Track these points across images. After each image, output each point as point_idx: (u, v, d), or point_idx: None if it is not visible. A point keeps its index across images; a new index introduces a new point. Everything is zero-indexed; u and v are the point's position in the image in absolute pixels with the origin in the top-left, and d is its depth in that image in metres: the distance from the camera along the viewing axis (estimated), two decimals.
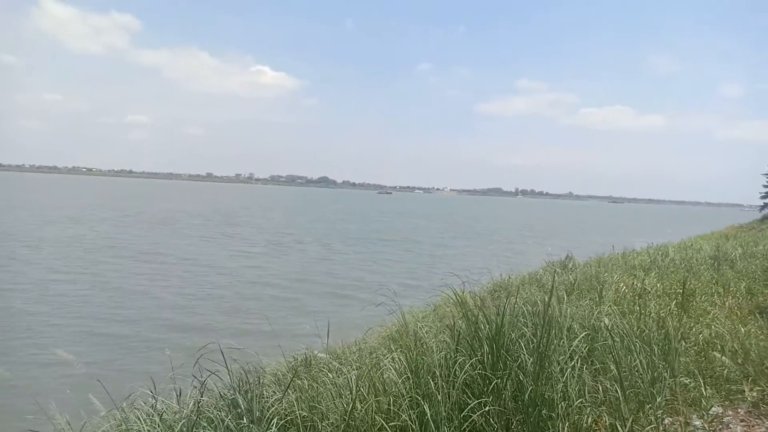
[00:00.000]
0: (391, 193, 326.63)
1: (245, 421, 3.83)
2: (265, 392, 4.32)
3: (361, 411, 3.79)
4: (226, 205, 73.94)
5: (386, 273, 21.01)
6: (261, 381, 4.16)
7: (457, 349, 4.27)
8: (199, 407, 4.14)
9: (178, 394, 5.02)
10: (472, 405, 3.70)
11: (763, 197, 42.54)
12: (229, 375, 5.07)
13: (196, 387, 5.15)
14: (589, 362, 4.47)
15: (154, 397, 4.97)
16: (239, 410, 3.99)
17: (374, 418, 3.76)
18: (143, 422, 4.10)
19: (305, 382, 4.70)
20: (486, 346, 4.05)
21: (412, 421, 3.63)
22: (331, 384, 4.47)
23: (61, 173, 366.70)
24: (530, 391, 3.70)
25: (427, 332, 5.61)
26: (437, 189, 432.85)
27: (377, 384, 4.10)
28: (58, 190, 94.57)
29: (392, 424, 3.67)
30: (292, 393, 4.26)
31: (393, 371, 4.27)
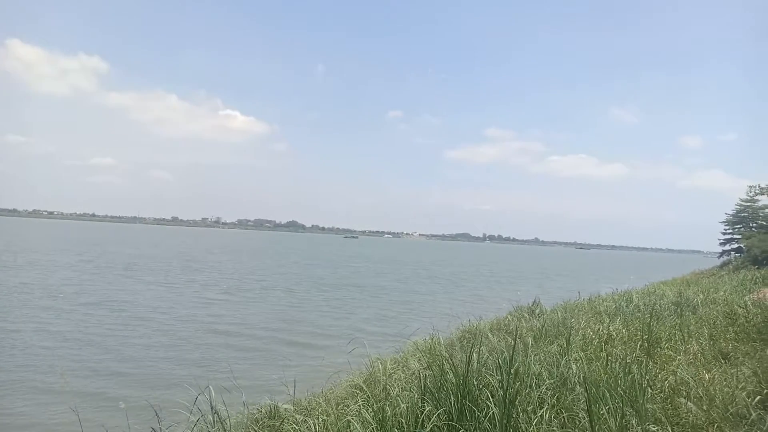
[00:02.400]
0: (357, 237, 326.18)
1: None
2: None
3: None
4: (191, 250, 72.54)
5: (354, 320, 20.73)
6: None
7: (423, 399, 4.21)
8: None
9: None
10: None
11: (721, 244, 44.03)
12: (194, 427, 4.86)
13: None
14: (557, 410, 4.44)
15: None
16: None
17: None
18: None
19: None
20: (452, 396, 4.00)
21: None
22: None
23: (21, 216, 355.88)
24: None
25: (395, 381, 5.51)
26: (406, 233, 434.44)
27: None
28: (16, 234, 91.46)
29: None
30: None
31: (358, 422, 4.16)
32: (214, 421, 4.66)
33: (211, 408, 4.81)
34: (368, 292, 31.20)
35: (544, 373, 5.19)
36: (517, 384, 4.04)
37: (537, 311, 13.63)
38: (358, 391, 5.89)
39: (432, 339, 8.70)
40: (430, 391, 4.24)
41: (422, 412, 4.03)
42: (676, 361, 6.36)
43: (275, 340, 16.17)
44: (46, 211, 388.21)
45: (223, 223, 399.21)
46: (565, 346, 6.90)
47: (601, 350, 6.81)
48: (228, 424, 5.09)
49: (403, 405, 4.27)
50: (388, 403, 4.32)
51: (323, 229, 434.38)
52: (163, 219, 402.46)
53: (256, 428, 5.57)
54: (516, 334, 4.73)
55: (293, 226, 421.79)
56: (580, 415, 4.20)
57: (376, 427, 4.07)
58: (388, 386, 4.88)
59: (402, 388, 4.98)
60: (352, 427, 4.10)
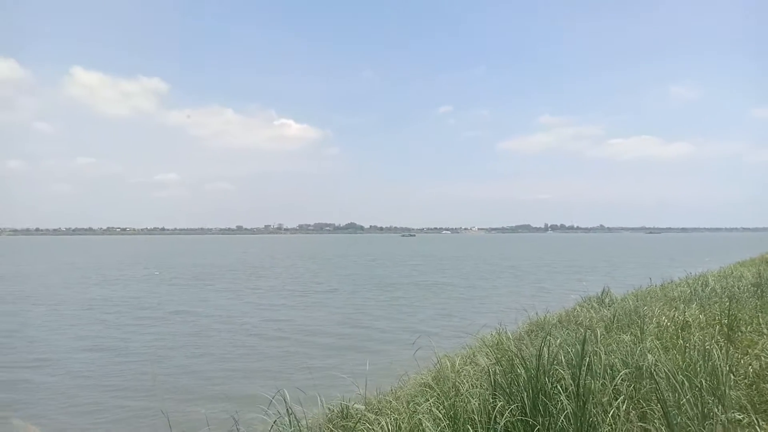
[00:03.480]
0: (414, 235, 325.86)
1: None
2: None
3: None
4: (256, 257, 74.70)
5: (418, 318, 20.76)
6: None
7: (494, 394, 4.19)
8: None
9: None
10: None
11: None
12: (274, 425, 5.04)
13: None
14: (635, 402, 4.32)
15: None
16: None
17: None
18: None
19: None
20: (524, 391, 3.97)
21: None
22: None
23: (96, 234, 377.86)
24: None
25: (463, 377, 5.51)
26: (464, 228, 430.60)
27: None
28: (93, 251, 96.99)
29: None
30: None
31: (430, 420, 4.20)
32: (290, 422, 4.80)
33: (287, 409, 4.96)
34: (430, 289, 31.16)
35: (618, 364, 5.06)
36: (590, 376, 3.96)
37: (606, 300, 13.24)
38: (427, 389, 5.92)
39: (499, 334, 8.62)
40: (501, 386, 4.22)
41: (494, 408, 4.01)
42: (760, 345, 6.05)
43: (342, 341, 16.43)
44: (119, 228, 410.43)
45: (285, 229, 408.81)
46: (639, 335, 6.69)
47: (678, 337, 6.56)
48: (304, 424, 5.24)
49: (473, 401, 4.27)
50: (458, 400, 4.34)
51: (381, 228, 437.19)
52: (228, 229, 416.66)
53: (330, 427, 5.70)
54: (586, 324, 4.62)
55: (352, 227, 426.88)
56: (658, 406, 4.07)
57: (448, 425, 4.09)
58: (457, 383, 4.89)
59: (471, 384, 4.98)
60: (423, 425, 4.13)
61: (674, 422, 3.68)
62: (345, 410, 6.64)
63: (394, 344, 15.58)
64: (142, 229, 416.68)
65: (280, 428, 5.00)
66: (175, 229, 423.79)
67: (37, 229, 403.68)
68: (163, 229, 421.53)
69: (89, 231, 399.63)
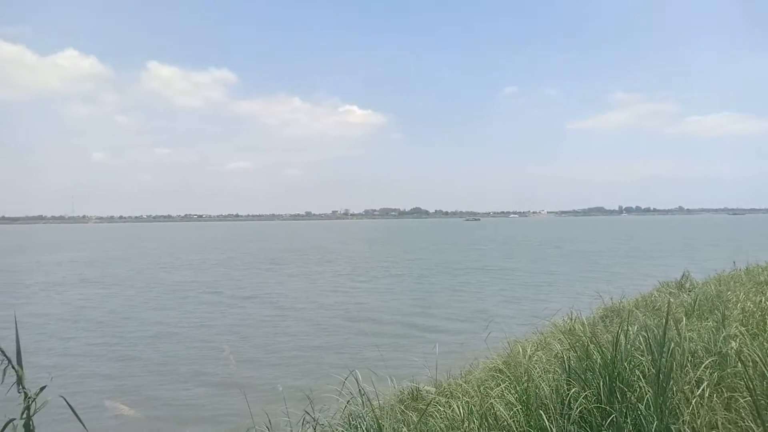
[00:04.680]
0: (479, 219, 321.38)
1: None
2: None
3: None
4: (325, 242, 76.37)
5: (486, 303, 20.60)
6: (375, 415, 4.19)
7: (568, 380, 4.14)
8: None
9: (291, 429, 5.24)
10: None
11: None
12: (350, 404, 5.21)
13: (309, 423, 5.35)
14: (719, 390, 4.15)
15: None
16: None
17: None
18: None
19: (413, 415, 4.72)
20: (600, 378, 3.90)
21: None
22: (441, 417, 4.46)
23: (174, 221, 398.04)
24: (655, 426, 3.49)
25: (535, 362, 5.46)
26: (533, 212, 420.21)
27: (488, 418, 4.05)
28: (173, 237, 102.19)
29: None
30: (405, 427, 4.29)
31: (502, 404, 4.20)
32: (363, 402, 4.93)
33: (359, 390, 5.09)
34: (498, 274, 30.79)
35: (700, 351, 4.86)
36: (671, 362, 3.83)
37: (687, 285, 12.67)
38: (497, 374, 5.91)
39: (572, 319, 8.45)
40: (576, 372, 4.16)
41: (568, 395, 3.97)
42: None
43: (411, 325, 16.59)
44: (195, 215, 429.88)
45: (351, 215, 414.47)
46: (721, 321, 6.38)
47: (766, 323, 6.20)
48: (376, 404, 5.37)
49: (546, 387, 4.24)
50: (530, 385, 4.31)
51: (446, 213, 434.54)
52: (298, 214, 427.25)
53: (401, 408, 5.81)
54: (667, 310, 4.45)
55: (417, 212, 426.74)
56: (745, 394, 3.89)
57: (521, 409, 4.09)
58: (529, 368, 4.85)
59: (544, 369, 4.93)
60: (495, 409, 4.14)
61: (764, 410, 3.51)
62: (415, 392, 6.75)
63: (462, 329, 15.57)
64: (217, 216, 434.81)
65: (353, 408, 5.15)
66: (248, 215, 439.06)
67: (120, 217, 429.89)
68: (236, 215, 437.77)
69: (168, 218, 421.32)
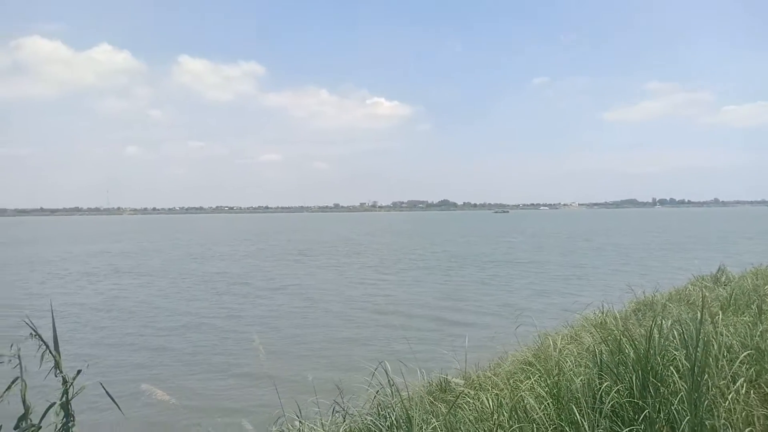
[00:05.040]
0: (508, 211, 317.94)
1: None
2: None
3: None
4: (353, 233, 76.74)
5: (515, 296, 20.44)
6: (404, 406, 4.22)
7: (600, 374, 4.10)
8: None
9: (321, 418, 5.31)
10: None
11: None
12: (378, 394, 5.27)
13: (338, 412, 5.42)
14: (755, 385, 4.06)
15: (300, 422, 5.29)
16: None
17: None
18: None
19: (442, 407, 4.74)
20: (633, 372, 3.85)
21: None
22: (470, 409, 4.46)
23: (206, 213, 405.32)
24: (688, 420, 3.44)
25: (566, 356, 5.42)
26: (564, 204, 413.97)
27: (519, 411, 4.04)
28: (205, 229, 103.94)
29: None
30: (434, 418, 4.31)
31: (532, 397, 4.18)
32: (392, 393, 4.97)
33: (389, 381, 5.13)
34: (527, 267, 30.50)
35: (736, 346, 4.76)
36: (706, 357, 3.77)
37: (722, 279, 12.35)
38: (527, 367, 5.88)
39: (603, 313, 8.34)
40: (608, 366, 4.12)
41: (600, 389, 3.94)
42: None
43: (439, 317, 16.59)
44: (227, 207, 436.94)
45: (379, 207, 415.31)
46: (758, 315, 6.22)
47: None
48: (405, 395, 5.41)
49: (577, 381, 4.21)
50: (561, 379, 4.29)
51: (475, 205, 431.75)
52: (326, 206, 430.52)
53: (430, 400, 5.83)
54: (702, 303, 4.36)
55: (445, 204, 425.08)
56: None
57: (552, 403, 4.07)
58: (560, 361, 4.81)
59: (575, 363, 4.89)
60: (526, 402, 4.13)
61: None
62: (444, 384, 6.76)
63: (491, 322, 15.51)
64: (247, 208, 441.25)
65: (382, 398, 5.19)
66: (278, 207, 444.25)
67: (154, 209, 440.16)
68: (266, 207, 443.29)
69: (200, 210, 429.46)
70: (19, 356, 2.75)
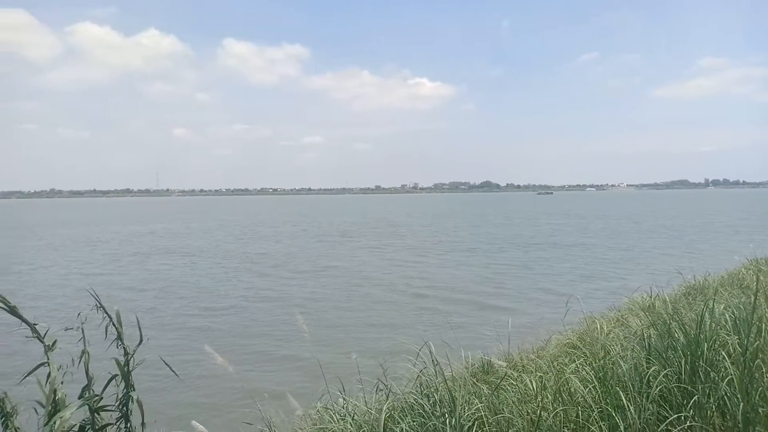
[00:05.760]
0: (551, 193, 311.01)
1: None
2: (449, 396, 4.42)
3: (548, 420, 3.75)
4: (394, 215, 76.94)
5: (561, 279, 20.14)
6: (448, 386, 4.27)
7: (648, 359, 4.04)
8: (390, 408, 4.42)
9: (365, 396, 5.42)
10: (670, 419, 3.47)
11: None
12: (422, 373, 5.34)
13: (381, 390, 5.51)
14: None
15: (345, 399, 5.41)
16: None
17: (562, 429, 3.69)
18: (337, 422, 4.51)
19: (485, 388, 4.76)
20: (682, 356, 3.78)
21: None
22: (513, 391, 4.47)
23: (251, 194, 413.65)
24: (741, 408, 3.36)
25: (612, 339, 5.35)
26: (611, 185, 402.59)
27: (563, 393, 4.03)
28: (249, 210, 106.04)
29: None
30: (476, 399, 4.34)
31: (577, 380, 4.16)
32: (436, 372, 5.02)
33: (432, 360, 5.17)
34: (572, 250, 29.95)
35: None
36: (760, 343, 3.66)
37: None
38: (572, 350, 5.83)
39: (651, 297, 8.16)
40: (656, 350, 4.05)
41: (647, 373, 3.88)
42: None
43: (482, 299, 16.54)
44: (271, 189, 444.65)
45: (420, 188, 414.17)
46: None
47: None
48: (448, 375, 5.45)
49: (624, 364, 4.16)
50: (608, 362, 4.24)
51: (518, 186, 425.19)
52: (368, 188, 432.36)
53: (473, 381, 5.86)
54: (756, 287, 4.22)
55: (487, 186, 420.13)
56: None
57: (597, 386, 4.04)
58: (606, 345, 4.76)
59: (622, 347, 4.82)
60: (571, 385, 4.11)
61: None
62: (487, 365, 6.78)
63: (534, 305, 15.37)
64: (290, 189, 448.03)
65: (426, 378, 5.25)
66: (320, 188, 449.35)
67: (201, 190, 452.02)
68: (309, 189, 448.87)
69: (245, 192, 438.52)
70: (82, 329, 2.94)
